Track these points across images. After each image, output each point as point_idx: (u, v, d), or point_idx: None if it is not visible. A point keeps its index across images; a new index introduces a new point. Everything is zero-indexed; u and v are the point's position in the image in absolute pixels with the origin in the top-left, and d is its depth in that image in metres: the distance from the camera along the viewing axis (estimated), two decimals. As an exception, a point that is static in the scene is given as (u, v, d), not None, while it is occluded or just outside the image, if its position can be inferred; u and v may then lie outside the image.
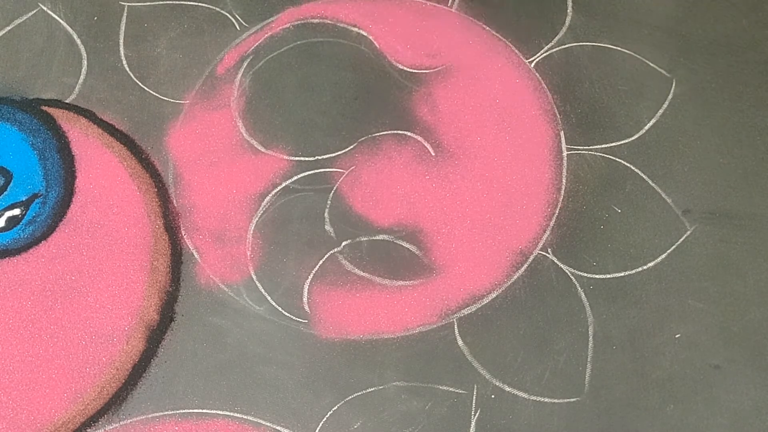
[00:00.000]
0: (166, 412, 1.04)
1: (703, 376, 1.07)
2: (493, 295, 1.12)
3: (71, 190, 1.17)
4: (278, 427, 1.03)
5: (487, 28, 1.31)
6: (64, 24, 1.31)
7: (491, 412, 1.04)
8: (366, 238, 1.15)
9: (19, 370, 1.06)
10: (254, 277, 1.12)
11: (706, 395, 1.06)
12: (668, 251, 1.15)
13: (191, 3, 1.33)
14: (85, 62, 1.27)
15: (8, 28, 1.31)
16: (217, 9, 1.32)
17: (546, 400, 1.05)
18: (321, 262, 1.14)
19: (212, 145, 1.22)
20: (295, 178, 1.19)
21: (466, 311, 1.11)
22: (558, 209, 1.18)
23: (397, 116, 1.24)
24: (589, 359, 1.08)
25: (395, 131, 1.23)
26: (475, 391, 1.06)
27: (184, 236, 1.15)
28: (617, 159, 1.21)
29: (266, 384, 1.05)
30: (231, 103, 1.25)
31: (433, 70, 1.28)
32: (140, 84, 1.25)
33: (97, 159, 1.20)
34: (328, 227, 1.16)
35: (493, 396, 1.05)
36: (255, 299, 1.11)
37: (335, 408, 1.04)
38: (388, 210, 1.17)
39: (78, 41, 1.29)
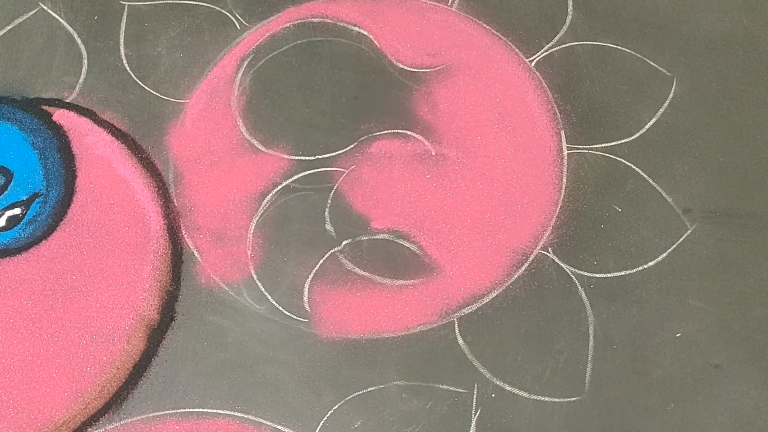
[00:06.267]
0: (166, 411, 1.04)
1: (703, 375, 1.07)
2: (494, 295, 1.12)
3: (72, 190, 1.17)
4: (279, 426, 1.03)
5: (488, 27, 1.32)
6: (65, 23, 1.31)
7: (492, 411, 1.04)
8: (366, 238, 1.15)
9: (20, 370, 1.06)
10: (255, 276, 1.12)
11: (707, 394, 1.06)
12: (669, 250, 1.15)
13: (191, 2, 1.33)
14: (85, 62, 1.27)
15: (8, 27, 1.31)
16: (218, 8, 1.32)
17: (546, 399, 1.05)
18: (321, 261, 1.14)
19: (212, 145, 1.22)
20: (296, 177, 1.19)
21: (466, 310, 1.11)
22: (558, 208, 1.18)
23: (398, 115, 1.24)
24: (589, 358, 1.08)
25: (395, 130, 1.23)
26: (475, 390, 1.06)
27: (185, 236, 1.15)
28: (618, 158, 1.21)
29: (267, 383, 1.05)
30: (231, 102, 1.25)
31: (433, 69, 1.28)
32: (140, 83, 1.25)
33: (97, 158, 1.20)
34: (328, 226, 1.16)
35: (493, 395, 1.05)
36: (255, 298, 1.11)
37: (336, 407, 1.04)
38: (389, 209, 1.17)
39: (78, 41, 1.29)
